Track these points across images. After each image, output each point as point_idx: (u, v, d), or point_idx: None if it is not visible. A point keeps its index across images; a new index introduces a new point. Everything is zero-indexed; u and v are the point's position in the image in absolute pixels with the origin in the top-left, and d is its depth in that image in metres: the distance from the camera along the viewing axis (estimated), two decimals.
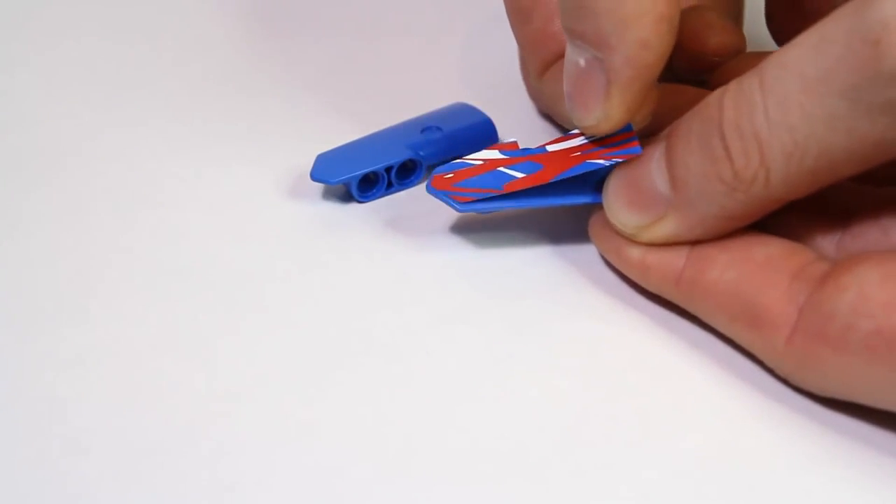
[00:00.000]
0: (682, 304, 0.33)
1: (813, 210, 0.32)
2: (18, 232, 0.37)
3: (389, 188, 0.37)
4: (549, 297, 0.34)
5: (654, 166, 0.32)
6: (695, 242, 0.32)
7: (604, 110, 0.33)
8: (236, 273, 0.35)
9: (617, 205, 0.33)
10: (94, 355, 0.32)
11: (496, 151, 0.35)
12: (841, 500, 0.29)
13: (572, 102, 0.33)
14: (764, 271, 0.31)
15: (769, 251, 0.31)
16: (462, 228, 0.36)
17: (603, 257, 0.35)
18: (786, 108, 0.29)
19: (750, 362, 0.32)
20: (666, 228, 0.32)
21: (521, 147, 0.35)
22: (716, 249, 0.32)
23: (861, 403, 0.30)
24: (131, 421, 0.31)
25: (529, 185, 0.34)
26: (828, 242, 0.32)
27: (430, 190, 0.34)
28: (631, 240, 0.33)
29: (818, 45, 0.29)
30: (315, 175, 0.37)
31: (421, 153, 0.37)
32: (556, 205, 0.34)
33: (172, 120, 0.41)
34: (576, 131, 0.35)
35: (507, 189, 0.34)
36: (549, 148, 0.35)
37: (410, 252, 0.36)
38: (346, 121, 0.40)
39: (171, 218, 0.37)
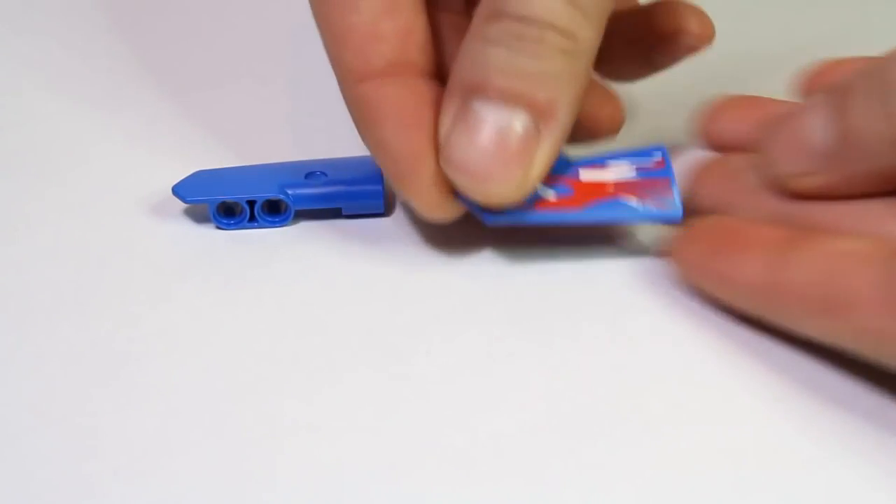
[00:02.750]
0: (760, 313, 0.32)
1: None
2: None
3: (252, 221, 0.36)
4: (549, 297, 0.34)
5: (819, 124, 0.32)
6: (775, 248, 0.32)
7: (529, 177, 0.32)
8: (233, 271, 0.35)
9: (776, 151, 0.33)
10: (95, 353, 0.32)
11: None
12: (843, 498, 0.29)
13: (491, 169, 0.32)
14: (851, 255, 0.31)
15: (855, 244, 0.31)
16: (463, 229, 0.36)
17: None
18: None
19: (750, 362, 0.32)
20: (820, 180, 0.32)
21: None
22: (799, 249, 0.32)
23: None
24: (130, 421, 0.31)
25: (561, 208, 0.33)
26: None
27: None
28: (781, 185, 0.33)
29: None
30: (176, 189, 0.36)
31: (290, 194, 0.36)
32: (585, 222, 0.34)
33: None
34: (610, 161, 0.34)
35: (537, 207, 0.33)
36: (583, 176, 0.34)
37: (411, 252, 0.36)
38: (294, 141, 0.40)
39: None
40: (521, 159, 0.32)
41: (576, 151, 0.36)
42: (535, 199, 0.33)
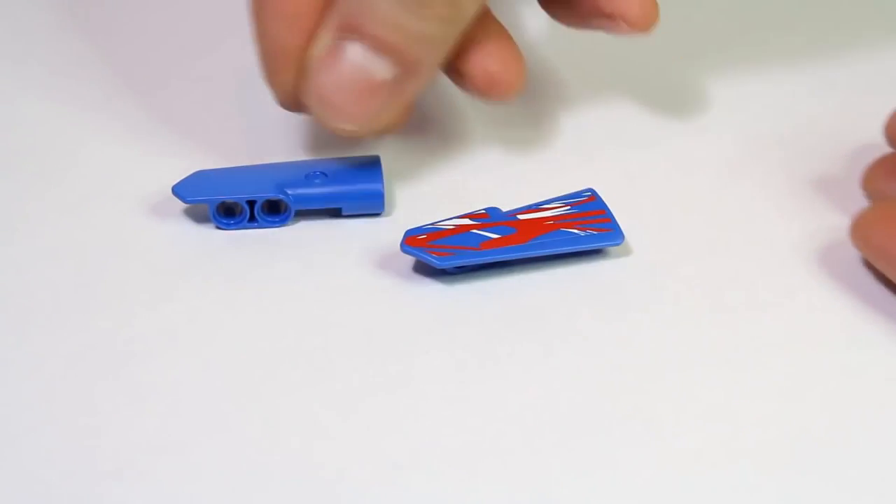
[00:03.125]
0: None
1: None
2: None
3: (252, 221, 0.36)
4: (551, 297, 0.34)
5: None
6: None
7: (375, 122, 0.34)
8: (233, 271, 0.35)
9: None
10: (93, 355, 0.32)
11: (467, 219, 0.35)
12: (845, 498, 0.29)
13: (346, 105, 0.34)
14: None
15: None
16: None
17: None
18: None
19: (748, 361, 0.32)
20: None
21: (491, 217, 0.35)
22: None
23: None
24: (131, 421, 0.31)
25: (505, 245, 0.34)
26: None
27: (404, 249, 0.34)
28: None
29: None
30: (176, 189, 0.36)
31: (290, 194, 0.36)
32: (535, 254, 0.34)
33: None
34: (546, 203, 0.35)
35: (483, 247, 0.34)
36: (521, 217, 0.35)
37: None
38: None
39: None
40: (375, 104, 0.34)
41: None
42: (480, 241, 0.34)
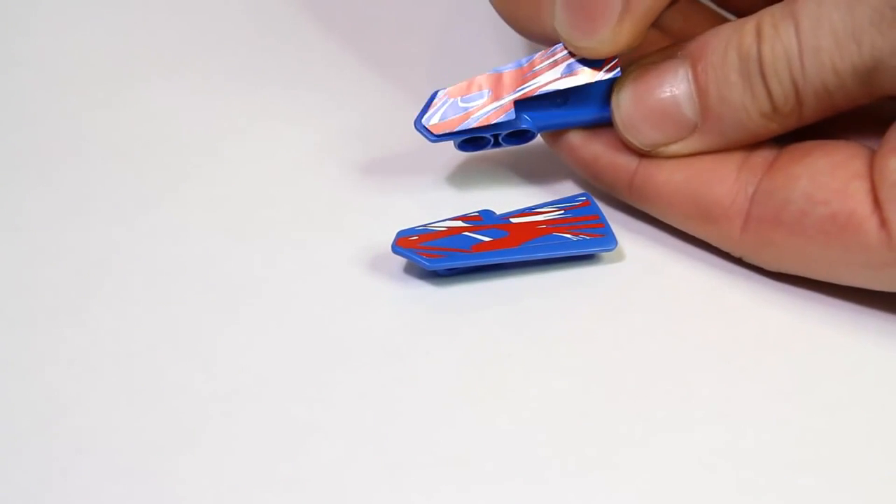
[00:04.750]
0: (636, 206, 0.35)
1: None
2: (20, 231, 0.37)
3: (497, 145, 0.37)
4: (548, 297, 0.34)
5: (681, 96, 0.34)
6: None
7: (612, 35, 0.34)
8: (235, 272, 0.35)
9: (639, 124, 0.34)
10: (94, 355, 0.32)
11: (460, 221, 0.35)
12: (837, 500, 0.29)
13: (575, 21, 0.34)
14: (709, 167, 0.34)
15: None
16: None
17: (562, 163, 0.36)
18: (820, 63, 0.32)
19: (748, 361, 0.32)
20: (688, 146, 0.34)
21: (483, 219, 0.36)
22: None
23: (814, 278, 0.33)
24: (131, 421, 0.31)
25: (498, 248, 0.34)
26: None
27: (395, 250, 0.34)
28: (645, 154, 0.34)
29: (850, 3, 0.31)
30: (419, 125, 0.36)
31: (533, 124, 0.36)
32: (526, 258, 0.35)
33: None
34: (540, 207, 0.36)
35: (475, 250, 0.34)
36: (514, 220, 0.35)
37: None
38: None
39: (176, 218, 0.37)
40: (600, 15, 0.33)
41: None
42: (472, 244, 0.34)
